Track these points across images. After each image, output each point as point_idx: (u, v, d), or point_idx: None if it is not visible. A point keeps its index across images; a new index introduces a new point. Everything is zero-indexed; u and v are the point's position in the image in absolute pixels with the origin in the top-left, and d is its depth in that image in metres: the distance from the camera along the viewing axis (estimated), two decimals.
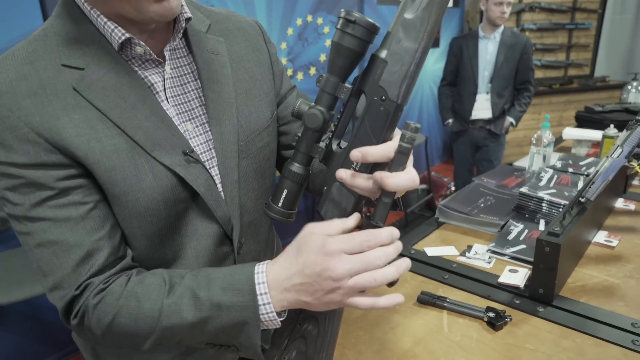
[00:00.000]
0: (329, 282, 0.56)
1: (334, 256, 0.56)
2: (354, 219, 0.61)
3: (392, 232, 0.58)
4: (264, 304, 0.60)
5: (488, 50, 3.01)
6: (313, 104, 0.60)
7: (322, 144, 0.62)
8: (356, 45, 0.56)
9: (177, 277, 0.64)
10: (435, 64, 4.41)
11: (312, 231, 0.59)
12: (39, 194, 0.63)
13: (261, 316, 0.61)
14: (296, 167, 0.63)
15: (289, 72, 3.12)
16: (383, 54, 0.56)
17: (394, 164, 0.56)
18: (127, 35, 0.66)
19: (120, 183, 0.65)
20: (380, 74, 0.56)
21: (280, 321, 0.63)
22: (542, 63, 4.78)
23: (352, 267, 0.56)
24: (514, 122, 3.17)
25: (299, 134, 0.63)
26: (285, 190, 0.64)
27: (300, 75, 3.17)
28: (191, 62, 0.76)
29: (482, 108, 3.13)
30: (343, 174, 0.60)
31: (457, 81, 3.17)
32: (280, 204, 0.64)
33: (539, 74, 4.83)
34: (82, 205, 0.65)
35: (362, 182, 0.59)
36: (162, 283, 0.64)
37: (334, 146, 0.62)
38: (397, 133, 0.61)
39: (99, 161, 0.64)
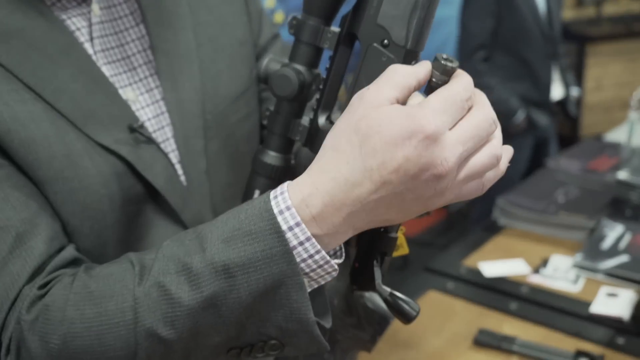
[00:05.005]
0: (433, 183, 0.51)
1: (438, 139, 0.49)
2: (425, 65, 0.55)
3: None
4: (300, 243, 0.53)
5: None
6: (287, 61, 0.61)
7: (305, 120, 0.62)
8: None
9: (151, 252, 0.60)
10: None
11: (376, 99, 0.52)
12: None
13: (302, 264, 0.54)
14: (270, 157, 0.63)
15: (279, 17, 3.07)
16: None
17: None
18: None
19: (45, 164, 0.64)
20: (378, 6, 0.55)
21: (338, 264, 0.56)
22: None
23: (464, 149, 0.51)
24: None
25: (271, 108, 0.63)
26: (258, 192, 0.64)
27: None
28: None
29: (555, 80, 2.84)
30: None
31: (505, 45, 2.72)
32: None
33: (635, 6, 4.76)
34: None
35: None
36: (128, 267, 0.59)
37: (322, 121, 0.61)
38: (415, 95, 0.59)
39: (11, 130, 0.62)
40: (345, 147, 0.52)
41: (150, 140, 0.71)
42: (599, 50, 4.50)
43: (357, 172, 0.51)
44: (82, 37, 0.70)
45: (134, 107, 0.72)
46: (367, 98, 0.52)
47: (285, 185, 0.55)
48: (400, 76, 0.53)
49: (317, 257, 0.54)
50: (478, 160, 0.53)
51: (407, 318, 0.62)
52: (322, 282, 0.57)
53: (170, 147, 0.74)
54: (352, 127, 0.52)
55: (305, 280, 0.55)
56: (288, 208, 0.53)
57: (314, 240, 0.53)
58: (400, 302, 0.62)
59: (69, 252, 0.65)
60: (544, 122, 2.80)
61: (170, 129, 0.74)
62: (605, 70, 4.58)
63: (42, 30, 0.66)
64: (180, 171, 0.75)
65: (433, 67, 0.53)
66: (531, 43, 2.69)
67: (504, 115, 2.66)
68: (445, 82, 0.53)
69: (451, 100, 0.51)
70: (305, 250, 0.53)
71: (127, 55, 0.73)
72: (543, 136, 2.87)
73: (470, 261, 1.34)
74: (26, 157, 0.63)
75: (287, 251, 0.53)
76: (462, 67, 2.10)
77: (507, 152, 0.57)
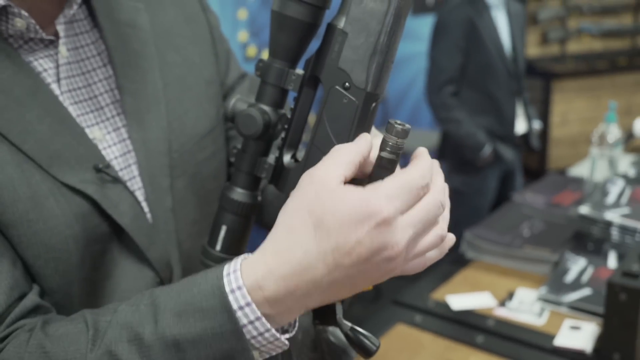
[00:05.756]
0: (383, 264, 0.52)
1: (390, 224, 0.51)
2: (365, 140, 0.56)
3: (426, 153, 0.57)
4: (250, 322, 0.54)
5: (499, 24, 2.81)
6: (254, 101, 0.62)
7: (271, 158, 0.63)
8: (304, 14, 0.58)
9: (106, 314, 0.59)
10: None
11: (326, 179, 0.53)
12: None
13: (252, 341, 0.54)
14: (238, 194, 0.64)
15: (252, 51, 3.10)
16: (341, 22, 0.57)
17: (372, 182, 0.55)
18: (2, 2, 0.64)
19: (10, 207, 0.63)
20: (339, 51, 0.57)
21: (287, 339, 0.57)
22: (601, 30, 4.85)
23: (414, 232, 0.53)
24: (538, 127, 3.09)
25: (239, 146, 0.64)
26: (225, 227, 0.64)
27: (267, 56, 3.15)
28: (97, 39, 0.75)
29: (519, 115, 2.91)
30: None
31: (471, 79, 2.78)
32: (218, 248, 0.65)
33: (597, 44, 4.90)
34: None
35: None
36: (82, 329, 0.59)
37: (287, 159, 0.63)
38: (376, 135, 0.61)
39: None
40: (299, 228, 0.53)
41: (116, 180, 0.71)
42: (564, 87, 4.61)
43: (311, 255, 0.52)
44: (49, 78, 0.70)
45: (100, 146, 0.72)
46: (317, 178, 0.53)
47: (239, 264, 0.55)
48: (345, 155, 0.54)
49: (267, 335, 0.54)
50: (425, 241, 0.55)
51: (367, 353, 0.62)
52: (274, 354, 0.58)
53: (136, 185, 0.75)
54: (305, 208, 0.53)
55: (256, 353, 0.56)
56: (240, 288, 0.54)
57: (264, 319, 0.54)
58: (361, 337, 0.63)
59: (30, 299, 0.64)
60: (510, 156, 2.85)
61: (137, 167, 0.75)
62: (570, 106, 4.68)
63: (9, 73, 0.66)
64: (146, 209, 0.75)
65: (387, 130, 0.55)
66: (497, 79, 2.75)
67: (472, 149, 2.72)
68: (402, 144, 0.55)
69: (407, 188, 0.52)
70: (256, 328, 0.54)
71: (94, 95, 0.74)
72: (509, 169, 2.92)
73: (438, 294, 1.35)
74: None
75: (237, 329, 0.54)
76: (431, 101, 2.12)
77: (450, 240, 0.59)
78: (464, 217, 2.60)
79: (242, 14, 3.04)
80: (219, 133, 0.83)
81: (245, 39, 3.05)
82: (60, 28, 0.69)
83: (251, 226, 0.66)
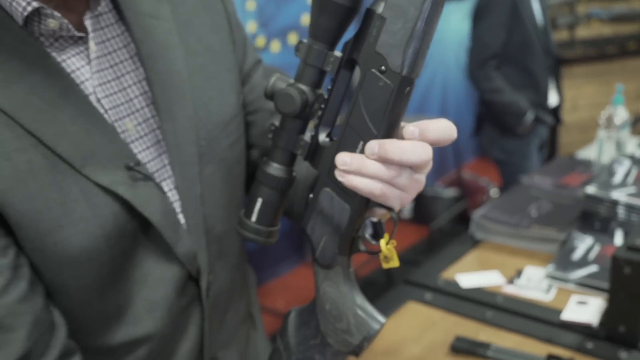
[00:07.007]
0: None
1: None
2: None
3: None
4: None
5: (532, 3, 2.96)
6: (293, 80, 0.63)
7: (307, 136, 0.65)
8: None
9: None
10: (463, 22, 4.43)
11: None
12: None
13: None
14: (274, 169, 0.65)
15: (261, 41, 3.12)
16: (379, 7, 0.58)
17: None
18: (35, 4, 0.65)
19: (44, 217, 0.66)
20: (377, 35, 0.59)
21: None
22: (610, 15, 4.83)
23: None
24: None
25: (276, 123, 0.65)
26: (260, 200, 0.66)
27: (275, 46, 3.18)
28: (123, 32, 0.76)
29: (552, 89, 3.05)
30: (347, 158, 0.61)
31: (511, 55, 2.95)
32: (254, 219, 0.66)
33: (606, 29, 4.88)
34: None
35: (375, 168, 0.60)
36: None
37: (322, 138, 0.65)
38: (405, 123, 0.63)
39: (12, 188, 0.63)
40: None
41: (147, 178, 0.72)
42: (574, 72, 4.60)
43: None
44: (82, 75, 0.71)
45: (131, 138, 0.74)
46: None
47: None
48: None
49: None
50: None
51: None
52: None
53: (167, 174, 0.77)
54: None
55: None
56: None
57: None
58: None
59: (61, 341, 0.69)
60: (550, 120, 3.04)
61: (167, 157, 0.76)
62: (580, 92, 4.67)
63: (41, 74, 0.67)
64: (176, 196, 0.77)
65: None
66: (534, 55, 2.91)
67: (515, 116, 2.89)
68: None
69: None
70: None
71: (124, 87, 0.75)
72: (544, 140, 3.14)
73: (448, 273, 1.38)
74: (26, 214, 0.65)
75: None
76: (473, 75, 2.23)
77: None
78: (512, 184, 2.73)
79: (251, 5, 3.06)
80: (241, 119, 0.85)
81: (254, 29, 3.07)
82: (88, 23, 0.71)
83: (286, 200, 0.68)
